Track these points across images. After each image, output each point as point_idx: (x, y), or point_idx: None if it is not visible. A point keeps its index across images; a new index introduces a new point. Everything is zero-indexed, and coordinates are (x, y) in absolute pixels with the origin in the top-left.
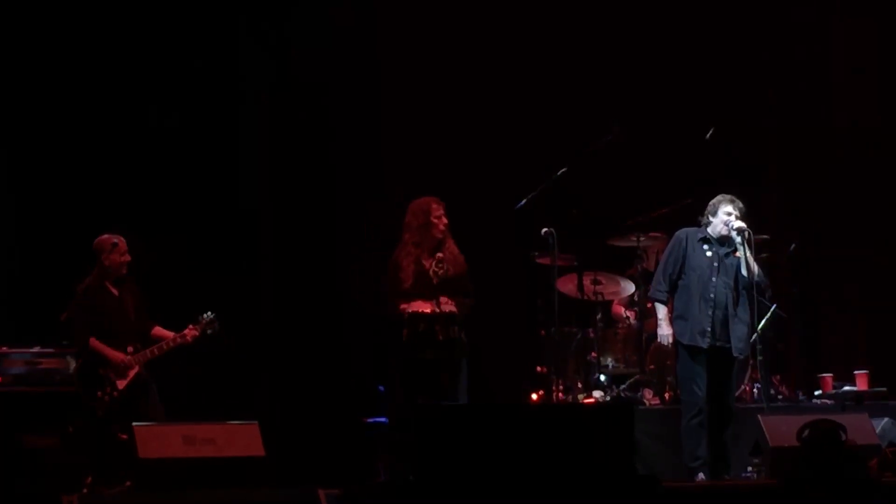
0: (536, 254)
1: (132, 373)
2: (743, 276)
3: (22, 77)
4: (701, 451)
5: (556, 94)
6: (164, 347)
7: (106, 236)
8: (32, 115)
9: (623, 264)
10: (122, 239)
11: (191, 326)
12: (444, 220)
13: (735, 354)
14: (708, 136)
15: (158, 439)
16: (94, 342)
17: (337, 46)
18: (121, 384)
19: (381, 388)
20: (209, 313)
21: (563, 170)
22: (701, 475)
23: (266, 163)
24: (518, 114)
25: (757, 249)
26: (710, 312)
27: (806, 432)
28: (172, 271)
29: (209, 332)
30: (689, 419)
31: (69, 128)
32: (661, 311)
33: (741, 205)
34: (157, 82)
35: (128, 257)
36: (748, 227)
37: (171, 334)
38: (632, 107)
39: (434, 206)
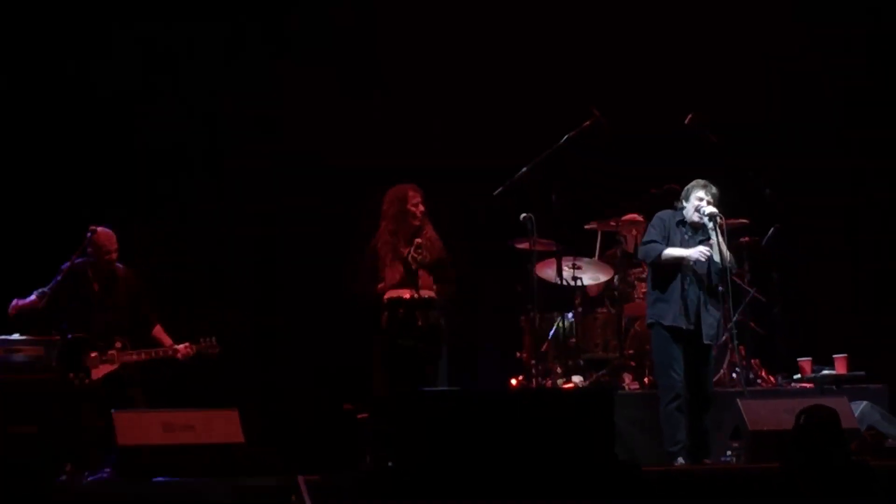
0: (516, 239)
1: (108, 368)
2: (715, 262)
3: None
4: (680, 435)
5: (539, 80)
6: (152, 355)
7: (101, 228)
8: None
9: (602, 249)
10: (106, 232)
11: (188, 344)
12: (421, 208)
13: (705, 342)
14: (687, 120)
15: (138, 426)
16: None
17: (337, 46)
18: (95, 374)
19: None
20: (212, 338)
21: (543, 153)
22: (680, 459)
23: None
24: (501, 101)
25: (737, 233)
26: (685, 295)
27: (802, 418)
28: (159, 260)
29: (205, 355)
30: (667, 404)
31: (66, 119)
32: (669, 250)
33: (714, 190)
34: (155, 80)
35: (112, 254)
36: (721, 212)
37: (168, 342)
38: (613, 90)
39: (411, 193)
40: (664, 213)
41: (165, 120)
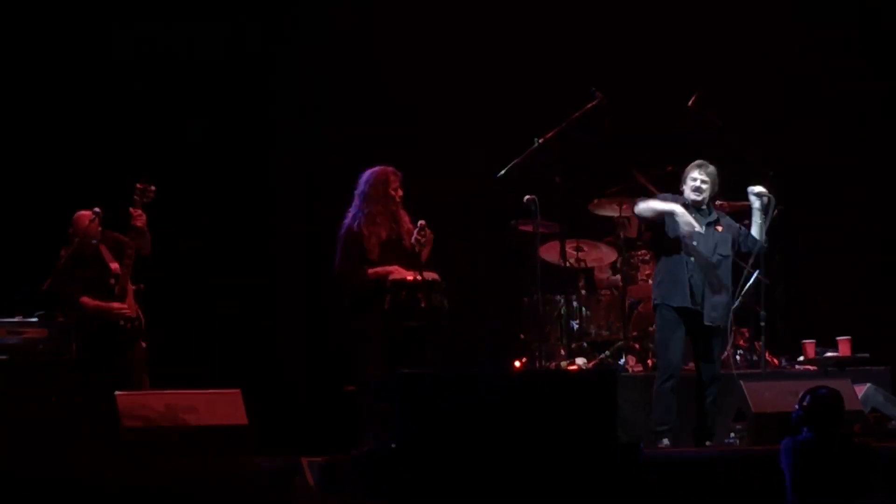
0: (519, 221)
1: (130, 300)
2: (753, 238)
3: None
4: (669, 417)
5: (538, 77)
6: (131, 254)
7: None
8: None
9: (605, 231)
10: (80, 215)
11: (131, 210)
12: (400, 193)
13: (706, 322)
14: (691, 102)
15: (141, 408)
16: (86, 301)
17: (337, 46)
18: (130, 311)
19: None
20: (143, 181)
21: (546, 136)
22: (665, 441)
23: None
24: (503, 83)
25: (739, 216)
26: (691, 275)
27: (806, 399)
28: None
29: (148, 200)
30: (662, 383)
31: (65, 117)
32: (663, 203)
33: (711, 168)
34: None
35: (91, 236)
36: (721, 194)
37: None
38: (614, 72)
39: (392, 177)
40: (670, 195)
41: (166, 118)
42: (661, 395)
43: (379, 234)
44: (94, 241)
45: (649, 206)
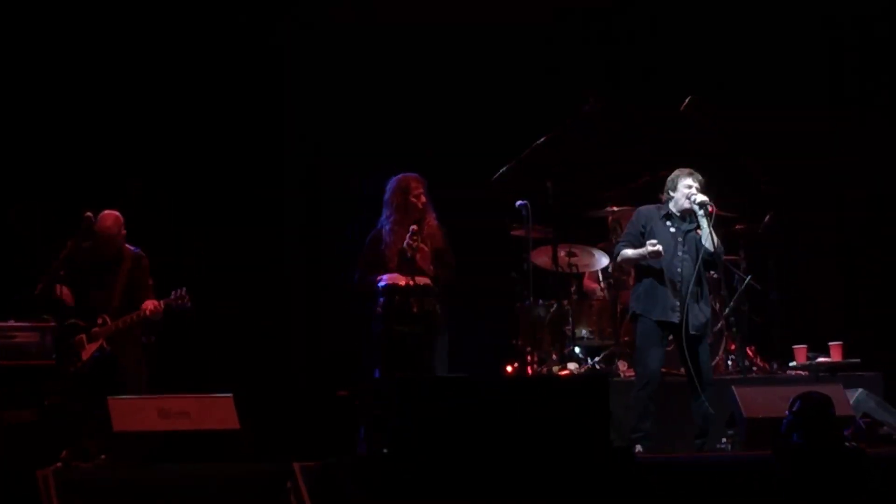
0: (513, 226)
1: (93, 347)
2: (706, 248)
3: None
4: (644, 424)
5: (540, 64)
6: (128, 321)
7: (106, 211)
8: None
9: (598, 236)
10: (112, 214)
11: (155, 301)
12: (423, 199)
13: (691, 332)
14: (683, 106)
15: (133, 413)
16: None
17: (337, 47)
18: (84, 355)
19: None
20: (182, 290)
21: (539, 140)
22: (638, 447)
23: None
24: (496, 87)
25: (732, 221)
26: (677, 288)
27: (797, 403)
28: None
29: (177, 307)
30: (638, 390)
31: (65, 116)
32: (633, 250)
33: (700, 177)
34: (161, 77)
35: (118, 237)
36: (710, 199)
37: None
38: (608, 77)
39: (413, 184)
40: (645, 210)
41: (165, 118)
42: (637, 402)
43: (399, 243)
44: (113, 242)
45: (626, 258)
